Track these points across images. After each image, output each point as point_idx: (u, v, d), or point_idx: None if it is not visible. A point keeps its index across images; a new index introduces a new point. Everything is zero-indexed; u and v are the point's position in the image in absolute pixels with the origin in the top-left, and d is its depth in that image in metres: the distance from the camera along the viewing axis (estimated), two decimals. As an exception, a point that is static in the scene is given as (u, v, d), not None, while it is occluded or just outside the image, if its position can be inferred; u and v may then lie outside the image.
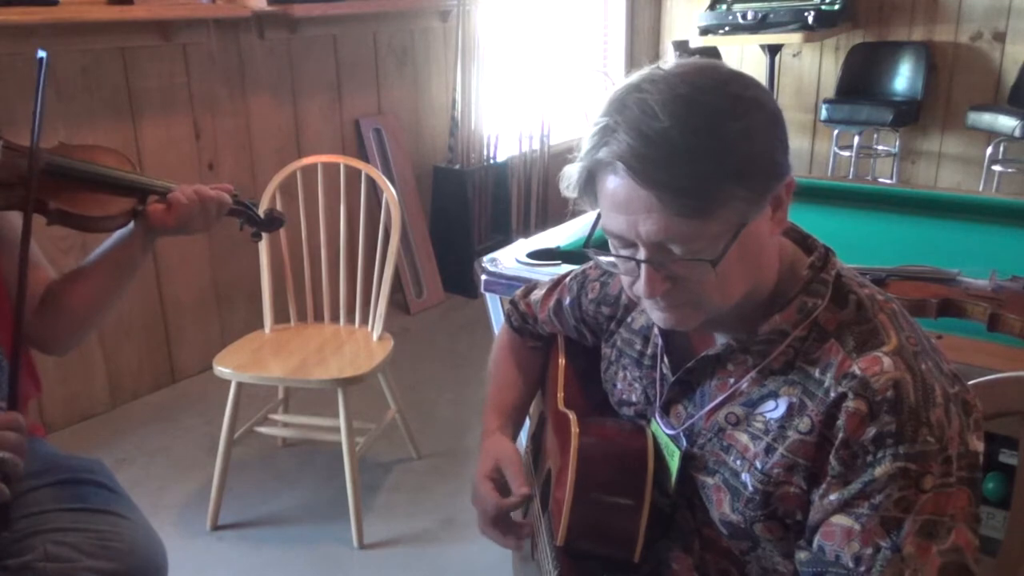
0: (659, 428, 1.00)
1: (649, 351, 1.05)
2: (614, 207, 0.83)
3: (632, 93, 0.82)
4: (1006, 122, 4.13)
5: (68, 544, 1.24)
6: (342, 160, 2.42)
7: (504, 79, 4.27)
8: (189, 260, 3.10)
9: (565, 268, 1.71)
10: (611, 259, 0.88)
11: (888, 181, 4.68)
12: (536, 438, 1.31)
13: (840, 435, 0.82)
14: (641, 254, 0.84)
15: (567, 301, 1.20)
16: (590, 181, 0.87)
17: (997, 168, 4.40)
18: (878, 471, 0.80)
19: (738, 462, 0.90)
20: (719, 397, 0.93)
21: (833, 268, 0.90)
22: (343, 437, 2.15)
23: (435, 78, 4.02)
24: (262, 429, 2.42)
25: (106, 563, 1.24)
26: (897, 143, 4.75)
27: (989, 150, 4.41)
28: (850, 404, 0.81)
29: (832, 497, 0.83)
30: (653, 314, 0.91)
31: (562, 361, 1.22)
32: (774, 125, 0.83)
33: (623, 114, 0.82)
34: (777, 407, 0.88)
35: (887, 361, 0.82)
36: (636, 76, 0.84)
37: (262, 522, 2.31)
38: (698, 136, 0.78)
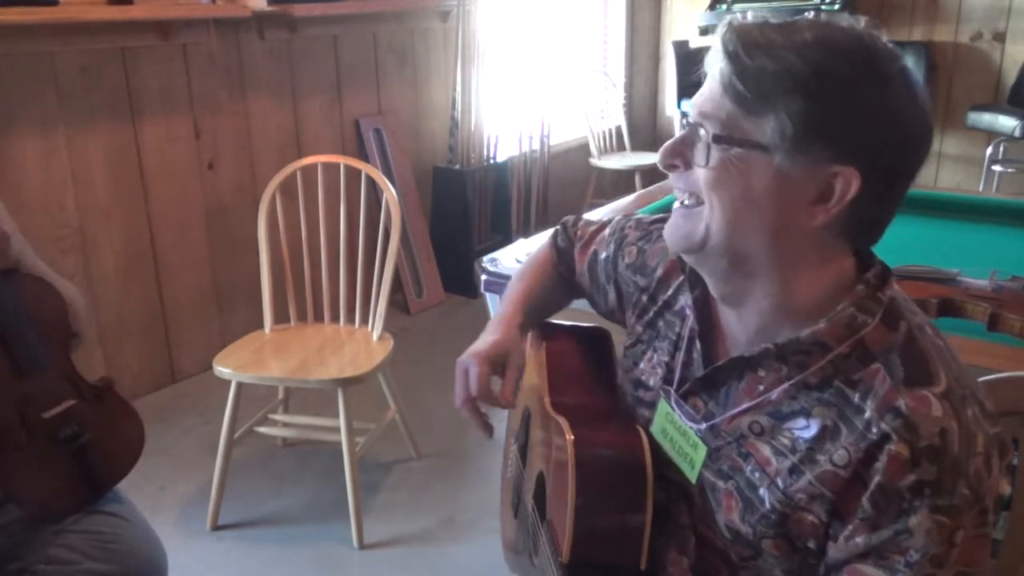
0: (673, 411, 0.97)
1: (685, 333, 1.01)
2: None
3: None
4: (1006, 122, 4.13)
5: (68, 546, 1.24)
6: (342, 160, 2.42)
7: (504, 79, 4.27)
8: (189, 260, 3.10)
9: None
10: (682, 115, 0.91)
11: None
12: (520, 433, 1.29)
13: (877, 478, 0.78)
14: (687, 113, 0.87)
15: (603, 255, 1.17)
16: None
17: (997, 168, 4.40)
18: (912, 522, 0.77)
19: (756, 474, 0.87)
20: (745, 403, 0.90)
21: (889, 288, 0.86)
22: (343, 437, 2.15)
23: (435, 78, 4.02)
24: (262, 429, 2.42)
25: (106, 565, 1.25)
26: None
27: (989, 150, 4.41)
28: (893, 447, 0.77)
29: (859, 540, 0.80)
30: (666, 228, 0.93)
31: (543, 356, 1.20)
32: (879, 109, 0.79)
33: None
34: (808, 426, 0.84)
35: (936, 405, 0.78)
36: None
37: (262, 522, 2.31)
38: (798, 49, 0.79)
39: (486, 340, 1.13)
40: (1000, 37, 4.54)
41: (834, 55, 0.78)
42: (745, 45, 0.80)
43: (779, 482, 0.85)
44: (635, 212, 1.18)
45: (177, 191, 3.01)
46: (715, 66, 0.84)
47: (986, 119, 4.28)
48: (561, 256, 1.27)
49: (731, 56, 0.81)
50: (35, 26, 2.49)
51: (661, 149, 0.89)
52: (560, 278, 1.27)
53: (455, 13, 3.88)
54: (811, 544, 0.84)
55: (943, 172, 4.87)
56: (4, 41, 2.45)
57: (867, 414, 0.80)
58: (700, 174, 0.85)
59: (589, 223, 1.27)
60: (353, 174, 2.41)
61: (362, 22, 3.57)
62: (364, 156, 3.63)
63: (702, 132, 0.84)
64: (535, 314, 1.24)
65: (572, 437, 0.98)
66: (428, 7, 3.85)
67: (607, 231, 1.20)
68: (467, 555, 2.16)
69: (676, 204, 0.91)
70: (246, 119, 3.20)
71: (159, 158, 2.93)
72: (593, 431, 1.02)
